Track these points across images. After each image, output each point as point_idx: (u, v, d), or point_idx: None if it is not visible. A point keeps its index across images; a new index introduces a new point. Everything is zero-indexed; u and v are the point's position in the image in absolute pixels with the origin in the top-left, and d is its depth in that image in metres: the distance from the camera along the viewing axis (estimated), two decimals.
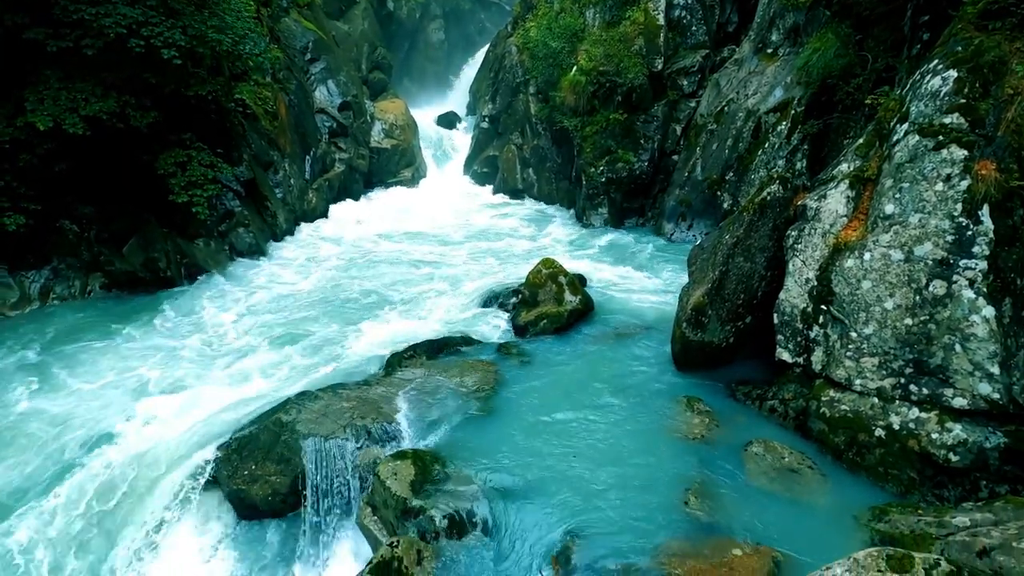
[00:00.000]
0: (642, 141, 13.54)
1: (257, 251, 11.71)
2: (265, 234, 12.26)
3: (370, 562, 4.28)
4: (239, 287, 10.19)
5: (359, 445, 5.59)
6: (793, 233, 5.99)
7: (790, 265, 5.95)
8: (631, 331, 7.71)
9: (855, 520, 4.57)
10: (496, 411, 6.04)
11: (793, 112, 10.65)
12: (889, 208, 5.22)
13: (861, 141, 6.00)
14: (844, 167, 5.95)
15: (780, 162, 10.61)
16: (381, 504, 4.92)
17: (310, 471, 5.42)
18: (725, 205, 11.56)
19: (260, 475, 5.55)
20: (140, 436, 6.17)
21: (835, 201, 5.75)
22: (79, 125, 8.08)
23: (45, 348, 7.85)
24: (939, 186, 4.95)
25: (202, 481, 5.66)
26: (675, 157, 13.41)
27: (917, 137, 5.14)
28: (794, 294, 5.85)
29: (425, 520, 4.60)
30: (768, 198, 6.38)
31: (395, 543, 4.33)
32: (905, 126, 5.33)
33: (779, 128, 10.84)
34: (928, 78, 5.33)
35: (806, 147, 10.42)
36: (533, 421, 5.86)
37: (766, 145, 11.01)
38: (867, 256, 5.30)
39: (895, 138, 5.41)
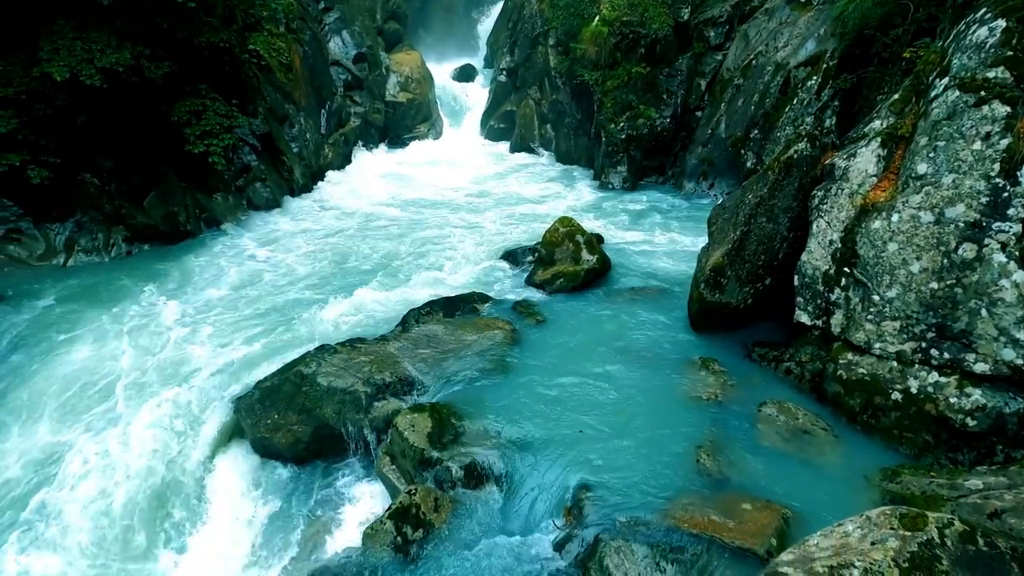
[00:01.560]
0: (665, 96, 13.12)
1: (274, 205, 11.75)
2: (282, 189, 12.27)
3: (389, 507, 4.45)
4: (256, 241, 10.29)
5: (377, 398, 5.71)
6: (819, 193, 5.82)
7: (814, 226, 5.81)
8: (648, 291, 7.67)
9: (866, 480, 4.61)
10: (511, 368, 6.11)
11: (825, 66, 10.19)
12: (922, 168, 5.03)
13: (896, 97, 5.74)
14: (877, 124, 5.72)
15: (808, 119, 10.23)
16: (399, 454, 5.07)
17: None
18: (748, 164, 11.26)
19: (283, 424, 5.73)
20: (170, 384, 6.40)
21: (865, 160, 5.55)
22: (96, 77, 8.03)
23: (74, 299, 8.05)
24: (977, 145, 4.74)
25: (228, 428, 5.89)
26: (699, 113, 13.01)
27: (957, 92, 4.89)
28: (816, 256, 5.74)
29: (442, 470, 4.74)
30: (795, 156, 6.18)
31: (413, 491, 4.48)
32: (945, 80, 5.07)
33: (809, 83, 10.40)
34: (974, 28, 5.03)
35: (837, 103, 10.01)
36: (548, 378, 5.93)
37: (794, 101, 10.60)
38: (895, 218, 5.14)
39: (933, 93, 5.16)
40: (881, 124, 5.65)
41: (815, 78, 10.32)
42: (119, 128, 9.34)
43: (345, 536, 4.98)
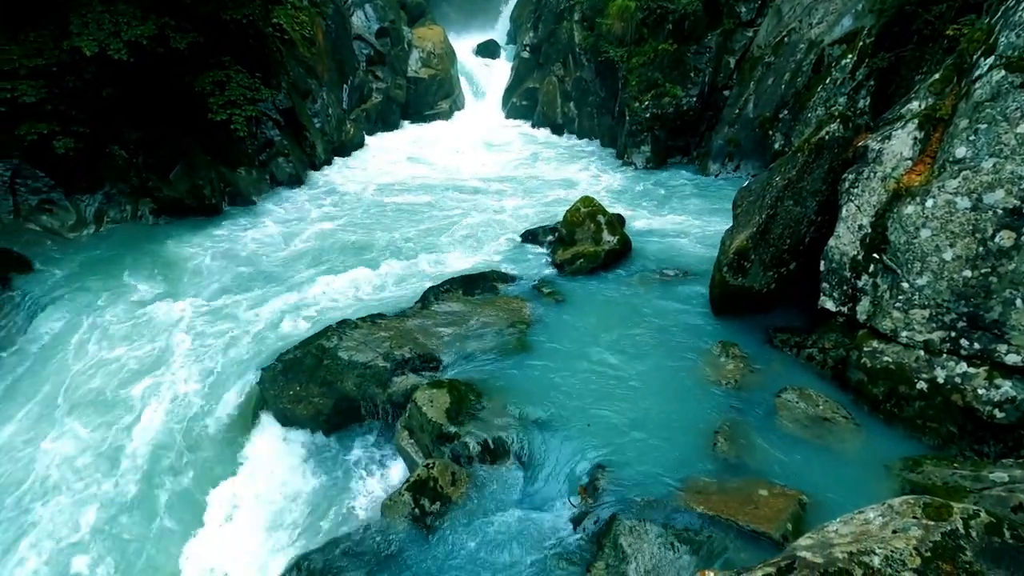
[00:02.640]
0: (692, 74, 12.79)
1: (296, 181, 11.83)
2: (304, 164, 12.34)
3: (408, 480, 4.54)
4: (279, 216, 10.39)
5: (397, 373, 5.79)
6: (850, 176, 5.66)
7: (843, 210, 5.67)
8: (669, 273, 7.59)
9: (886, 470, 4.55)
10: (530, 347, 6.13)
11: (861, 43, 9.82)
12: (961, 151, 4.85)
13: (937, 77, 5.51)
14: (914, 105, 5.51)
15: (841, 99, 9.90)
16: (417, 428, 5.15)
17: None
18: (776, 145, 10.97)
19: (304, 396, 5.85)
20: (192, 354, 6.57)
21: (900, 142, 5.37)
22: (123, 51, 8.11)
23: (101, 269, 8.25)
24: (1021, 128, 4.54)
25: (251, 398, 6.03)
26: (726, 92, 12.67)
27: (1003, 72, 4.67)
28: (845, 241, 5.60)
29: (460, 445, 4.80)
30: (826, 138, 5.99)
31: (431, 464, 4.56)
32: (990, 60, 4.85)
33: (844, 62, 10.04)
34: None
35: (872, 83, 9.66)
36: (566, 358, 5.94)
37: (827, 80, 10.26)
38: (929, 203, 4.98)
39: (977, 73, 4.94)
40: (919, 105, 5.45)
41: (850, 56, 9.96)
42: (145, 100, 9.45)
43: (364, 507, 5.11)
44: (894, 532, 1.89)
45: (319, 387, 5.87)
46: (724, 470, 4.55)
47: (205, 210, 10.11)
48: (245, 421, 6.05)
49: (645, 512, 4.19)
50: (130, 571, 5.00)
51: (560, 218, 8.60)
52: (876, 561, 1.74)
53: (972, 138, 4.79)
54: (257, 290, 7.82)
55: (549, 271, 8.00)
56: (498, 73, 20.01)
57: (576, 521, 4.22)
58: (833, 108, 9.55)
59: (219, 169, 10.46)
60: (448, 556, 4.09)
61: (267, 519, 5.45)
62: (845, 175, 5.72)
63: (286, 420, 5.94)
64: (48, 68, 8.22)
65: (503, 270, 7.91)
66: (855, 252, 5.51)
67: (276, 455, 5.90)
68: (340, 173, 12.89)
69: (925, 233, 4.99)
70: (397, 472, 5.36)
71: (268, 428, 6.03)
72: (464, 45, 20.83)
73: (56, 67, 8.25)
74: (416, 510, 4.33)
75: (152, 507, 5.41)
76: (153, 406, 6.11)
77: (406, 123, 17.24)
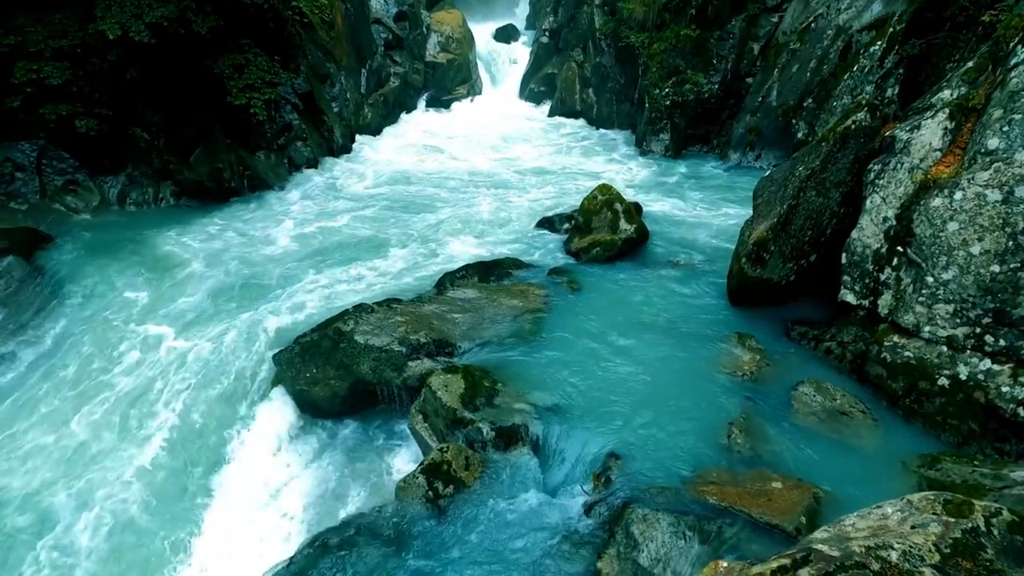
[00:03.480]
0: (714, 61, 12.55)
1: (313, 165, 11.88)
2: (322, 148, 12.38)
3: (422, 463, 4.60)
4: (296, 200, 10.47)
5: (412, 357, 5.83)
6: (876, 167, 5.54)
7: (868, 202, 5.55)
8: (686, 263, 7.52)
9: (903, 466, 4.50)
10: (544, 335, 6.13)
11: (891, 30, 9.53)
12: (993, 142, 4.71)
13: (971, 65, 5.34)
14: (946, 94, 5.36)
15: (868, 88, 9.65)
16: (432, 413, 5.19)
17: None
18: (799, 134, 10.75)
19: (321, 378, 5.93)
20: (209, 333, 6.68)
21: (930, 133, 5.23)
22: (144, 33, 8.17)
23: (122, 248, 8.40)
24: None
25: (269, 378, 6.14)
26: (749, 80, 12.42)
27: None
28: (868, 233, 5.50)
29: (473, 431, 4.84)
30: (852, 127, 5.86)
31: (445, 448, 4.60)
32: None
33: (872, 49, 9.77)
34: None
35: (901, 71, 9.39)
36: (581, 346, 5.93)
37: (855, 68, 10.00)
38: (958, 195, 4.86)
39: (1013, 61, 4.78)
40: (951, 94, 5.29)
41: (879, 43, 9.69)
42: (167, 83, 9.52)
43: (378, 487, 5.19)
44: (913, 528, 1.87)
45: (335, 369, 5.94)
46: (738, 462, 4.54)
47: (224, 193, 10.21)
48: (260, 400, 6.16)
49: (657, 501, 4.20)
50: (147, 535, 5.16)
51: (577, 206, 8.54)
52: (894, 556, 1.72)
53: (1006, 129, 4.65)
54: (275, 272, 7.90)
55: (565, 259, 7.97)
56: (517, 58, 19.82)
57: (588, 508, 4.24)
58: (860, 97, 9.32)
59: (238, 152, 10.54)
60: (461, 537, 4.15)
61: (283, 496, 5.56)
62: (871, 166, 5.60)
63: (303, 401, 6.04)
64: (72, 50, 8.32)
65: (519, 257, 7.89)
66: (878, 245, 5.41)
67: (292, 434, 6.01)
68: (357, 158, 12.92)
69: (952, 226, 4.88)
70: (411, 455, 5.43)
71: (284, 408, 6.13)
72: (483, 30, 20.64)
73: (80, 49, 8.35)
74: (430, 492, 4.39)
75: (167, 481, 5.55)
76: (170, 378, 6.24)
77: (423, 108, 17.18)
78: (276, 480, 5.66)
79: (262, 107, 9.61)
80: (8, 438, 5.93)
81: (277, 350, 6.27)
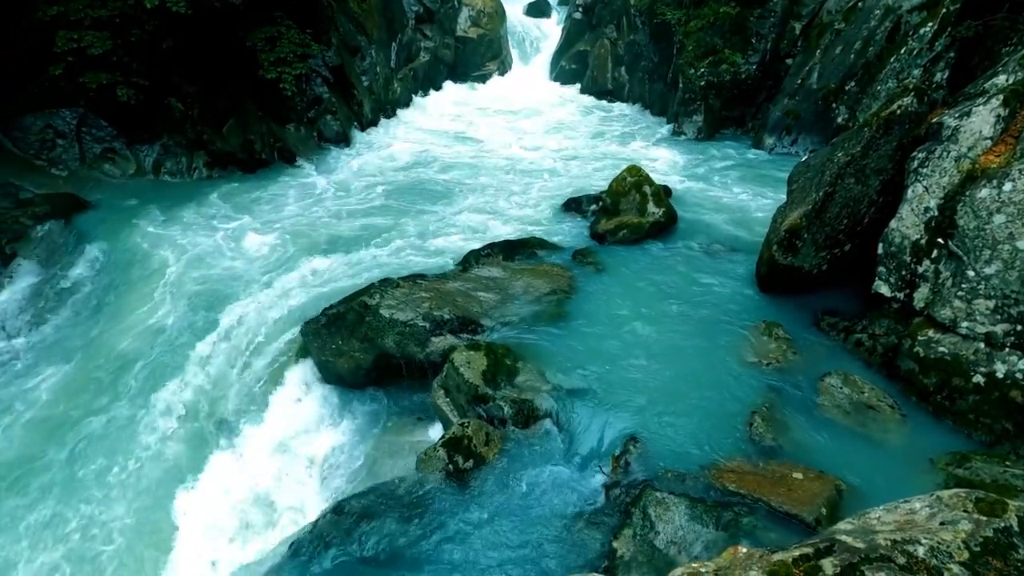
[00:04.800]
0: (753, 40, 12.13)
1: (342, 139, 11.94)
2: (351, 123, 12.41)
3: (443, 437, 4.67)
4: (325, 174, 10.56)
5: (435, 333, 5.89)
6: (920, 155, 5.32)
7: (909, 191, 5.36)
8: (715, 248, 7.39)
9: (931, 463, 4.41)
10: (567, 316, 6.12)
11: (944, 11, 9.08)
12: None
13: None
14: (1000, 80, 5.10)
15: (916, 72, 9.25)
16: (454, 388, 5.26)
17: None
18: (839, 119, 10.39)
19: (346, 350, 6.03)
20: (238, 303, 6.87)
21: (980, 120, 5.00)
22: (181, 3, 8.25)
23: (158, 215, 8.61)
24: None
25: (295, 349, 6.28)
26: (789, 61, 11.99)
27: None
28: (907, 223, 5.32)
29: (494, 407, 4.89)
30: (897, 112, 5.63)
31: (466, 424, 4.67)
32: None
33: (923, 30, 9.33)
34: None
35: (952, 55, 8.97)
36: (604, 329, 5.91)
37: (902, 51, 9.57)
38: (1007, 187, 4.65)
39: None
40: (1006, 79, 5.04)
41: (930, 24, 9.24)
42: (201, 54, 9.62)
43: (398, 458, 5.29)
44: (942, 524, 1.84)
45: (360, 342, 6.04)
46: (759, 451, 4.50)
47: (255, 165, 10.35)
48: (285, 369, 6.30)
49: (675, 485, 4.21)
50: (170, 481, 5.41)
51: (605, 187, 8.44)
52: (921, 551, 1.70)
53: None
54: (303, 244, 8.02)
55: (591, 240, 7.91)
56: (548, 34, 19.46)
57: (606, 488, 4.27)
58: (907, 80, 8.94)
59: (270, 125, 10.64)
60: (479, 511, 4.23)
61: (306, 462, 5.72)
62: (915, 153, 5.39)
63: (327, 372, 6.16)
64: (112, 19, 8.44)
65: (544, 237, 7.85)
66: (918, 236, 5.23)
67: (316, 403, 6.15)
68: (386, 133, 12.93)
69: (999, 219, 4.68)
70: (432, 429, 5.52)
71: (309, 377, 6.27)
72: (514, 4, 20.26)
73: (119, 18, 8.46)
74: (450, 465, 4.47)
75: (191, 436, 5.77)
76: (199, 344, 6.45)
77: (452, 84, 17.04)
78: (300, 446, 5.82)
79: (292, 82, 9.66)
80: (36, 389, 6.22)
81: (304, 321, 6.39)
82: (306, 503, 5.31)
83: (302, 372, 6.19)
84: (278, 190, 9.74)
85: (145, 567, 4.98)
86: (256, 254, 7.84)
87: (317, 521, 4.24)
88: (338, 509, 4.28)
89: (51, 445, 5.73)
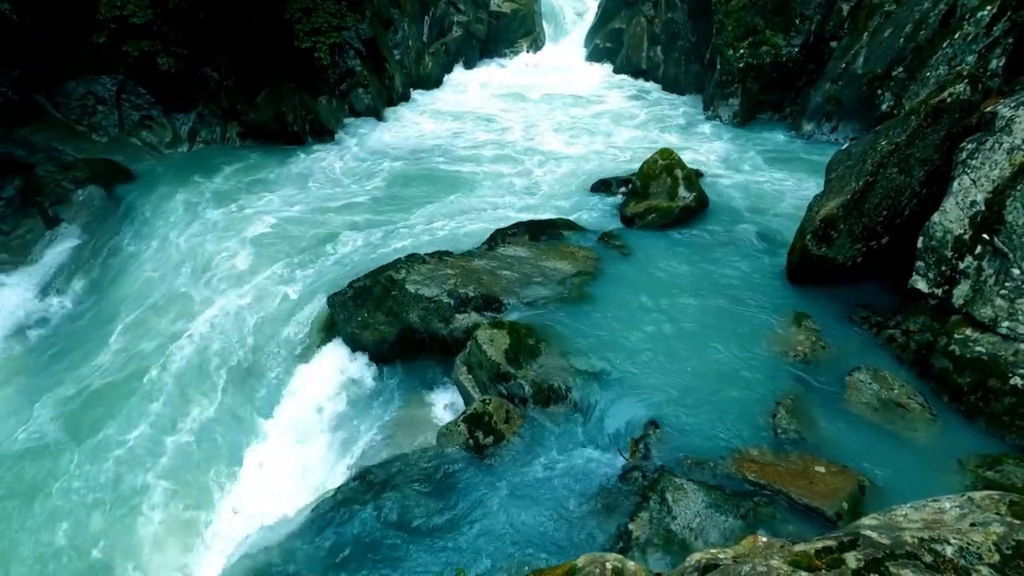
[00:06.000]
0: (797, 21, 11.66)
1: (373, 113, 11.94)
2: (382, 97, 12.39)
3: (464, 412, 4.74)
4: (355, 147, 10.61)
5: (459, 310, 5.93)
6: (969, 146, 5.10)
7: (955, 183, 5.15)
8: (745, 235, 7.23)
9: (960, 464, 4.31)
10: (591, 298, 6.09)
11: None
12: None
13: None
14: None
15: (970, 58, 8.81)
16: (476, 365, 5.31)
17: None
18: (884, 106, 9.99)
19: (371, 323, 6.13)
20: (267, 272, 7.00)
21: None
22: None
23: (194, 184, 8.78)
24: None
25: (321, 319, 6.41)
26: (833, 44, 11.50)
27: None
28: (951, 217, 5.12)
29: (515, 386, 4.93)
30: (948, 100, 5.39)
31: (487, 400, 4.72)
32: None
33: (980, 14, 8.86)
34: None
35: (1010, 41, 8.50)
36: (628, 313, 5.87)
37: (956, 35, 9.11)
38: None
39: None
40: None
41: (989, 8, 8.76)
42: (237, 25, 9.67)
43: (420, 431, 5.39)
44: (972, 525, 1.80)
45: (385, 316, 6.12)
46: (781, 442, 4.46)
47: (286, 136, 10.44)
48: (311, 339, 6.44)
49: (694, 472, 4.21)
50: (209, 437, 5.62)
51: (635, 169, 8.30)
52: (949, 551, 1.67)
53: None
54: (331, 216, 8.12)
55: (618, 223, 7.82)
56: (581, 11, 19.03)
57: (624, 472, 4.29)
58: (959, 67, 8.53)
59: (302, 97, 10.70)
60: (496, 486, 4.29)
61: (330, 430, 5.87)
62: (964, 144, 5.16)
63: (353, 343, 6.27)
64: None
65: (571, 218, 7.79)
66: (961, 231, 5.04)
67: (341, 373, 6.28)
68: (417, 109, 12.88)
69: None
70: (453, 404, 5.59)
71: (335, 348, 6.40)
72: None
73: None
74: (470, 440, 4.53)
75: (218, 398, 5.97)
76: (232, 309, 6.63)
77: (484, 60, 16.83)
78: (323, 414, 5.97)
79: (327, 51, 9.66)
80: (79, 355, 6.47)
81: (331, 292, 6.49)
82: (329, 470, 5.46)
83: (327, 343, 6.31)
84: (308, 162, 9.83)
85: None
86: (285, 225, 7.95)
87: (341, 487, 4.36)
88: (361, 476, 4.39)
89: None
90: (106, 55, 9.02)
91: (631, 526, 3.87)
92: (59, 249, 7.99)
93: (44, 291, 7.56)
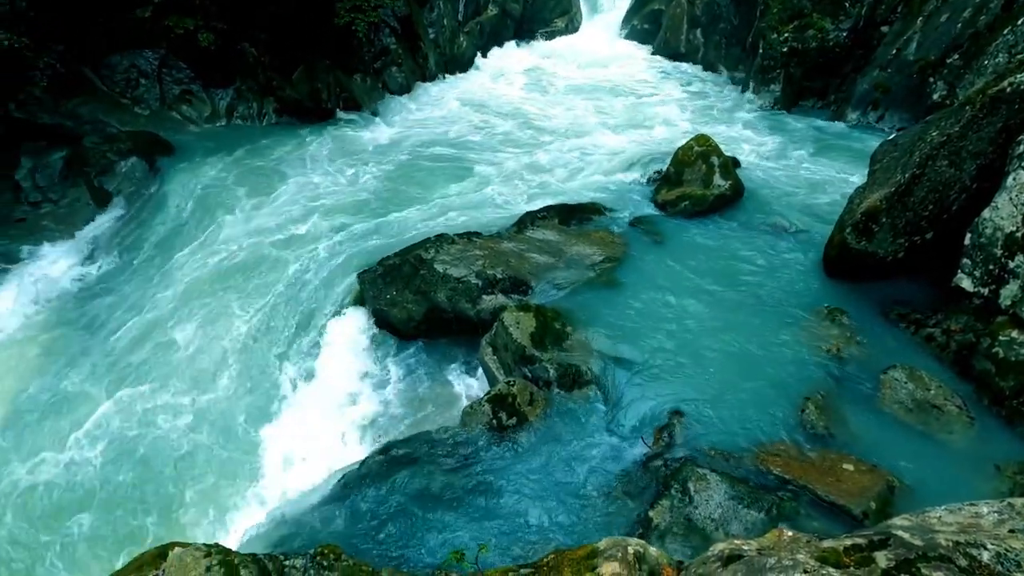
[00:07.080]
0: (847, 4, 11.18)
1: (406, 91, 11.95)
2: (415, 75, 12.38)
3: (488, 393, 4.77)
4: (388, 126, 10.64)
5: (487, 291, 5.95)
6: None
7: (1010, 178, 4.91)
8: (781, 226, 7.05)
9: (997, 470, 4.18)
10: (620, 284, 6.03)
11: None
12: None
13: None
14: None
15: None
16: (501, 347, 5.33)
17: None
18: (935, 96, 9.54)
19: (399, 301, 6.20)
20: (302, 249, 7.13)
21: None
22: None
23: (233, 160, 8.95)
24: None
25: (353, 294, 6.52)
26: (884, 29, 11.00)
27: None
28: (1003, 214, 4.89)
29: (540, 369, 4.94)
30: (1008, 90, 5.11)
31: (512, 382, 4.74)
32: None
33: None
34: None
35: None
36: (656, 300, 5.80)
37: (1020, 21, 8.61)
38: None
39: None
40: None
41: None
42: (274, 1, 9.73)
43: (444, 409, 5.47)
44: (1011, 531, 1.74)
45: (413, 294, 6.18)
46: (810, 439, 4.38)
47: (321, 113, 10.53)
48: (341, 314, 6.54)
49: (717, 463, 4.17)
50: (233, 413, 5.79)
51: (670, 155, 8.13)
52: (985, 556, 1.62)
53: None
54: (363, 195, 8.19)
55: (650, 210, 7.69)
56: None
57: (647, 459, 4.28)
58: (1021, 55, 8.07)
59: (337, 74, 10.75)
60: (518, 467, 4.33)
61: (356, 404, 5.99)
62: (1022, 137, 4.90)
63: (381, 320, 6.36)
64: None
65: (602, 203, 7.69)
66: (1013, 228, 4.82)
67: (368, 350, 6.38)
68: (450, 88, 12.83)
69: None
70: (478, 384, 5.64)
71: (363, 324, 6.49)
72: None
73: None
74: (494, 421, 4.58)
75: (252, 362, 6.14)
76: (270, 283, 6.79)
77: (518, 40, 16.62)
78: (352, 389, 6.08)
79: (364, 27, 9.68)
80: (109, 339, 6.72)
81: (361, 269, 6.58)
82: (354, 443, 5.58)
83: (356, 318, 6.42)
84: (342, 140, 9.91)
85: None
86: (317, 202, 8.06)
87: (365, 460, 4.46)
88: (385, 451, 4.48)
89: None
90: (151, 29, 9.19)
91: (651, 513, 3.87)
92: (103, 219, 8.27)
93: (89, 259, 7.85)
